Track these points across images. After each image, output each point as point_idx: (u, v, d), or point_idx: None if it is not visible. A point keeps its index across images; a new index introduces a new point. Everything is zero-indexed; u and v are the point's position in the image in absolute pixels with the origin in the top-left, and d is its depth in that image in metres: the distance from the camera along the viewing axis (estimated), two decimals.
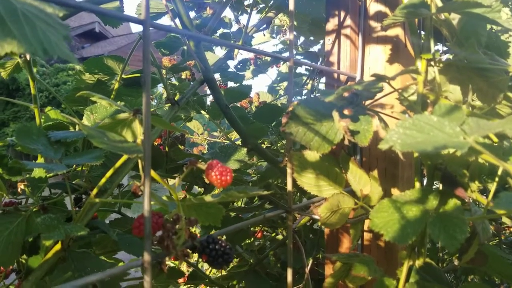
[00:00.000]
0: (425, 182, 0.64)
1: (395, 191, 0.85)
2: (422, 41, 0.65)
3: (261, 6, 1.14)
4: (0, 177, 0.73)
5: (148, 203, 0.42)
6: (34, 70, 0.72)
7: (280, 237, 1.57)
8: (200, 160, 1.03)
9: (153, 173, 0.45)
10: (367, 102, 0.75)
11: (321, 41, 1.51)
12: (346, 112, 0.54)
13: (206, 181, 0.50)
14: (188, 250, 0.46)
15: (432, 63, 0.61)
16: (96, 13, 0.40)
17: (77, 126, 0.76)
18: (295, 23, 1.25)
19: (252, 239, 1.54)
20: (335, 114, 0.53)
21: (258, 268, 1.29)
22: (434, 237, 0.47)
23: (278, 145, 1.44)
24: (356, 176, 0.64)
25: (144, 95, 0.42)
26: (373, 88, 0.56)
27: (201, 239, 0.49)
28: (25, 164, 0.57)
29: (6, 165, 0.74)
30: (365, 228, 0.85)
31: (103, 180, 0.56)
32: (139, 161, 0.46)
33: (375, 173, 0.64)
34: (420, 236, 0.56)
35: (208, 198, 0.52)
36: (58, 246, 0.62)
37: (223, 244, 0.49)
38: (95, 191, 0.57)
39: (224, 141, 1.89)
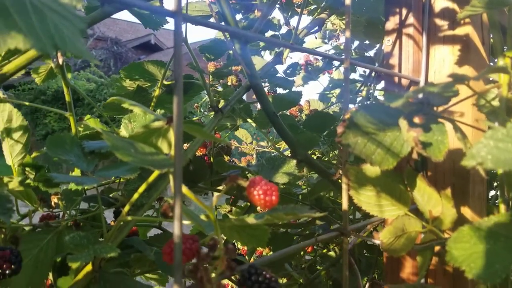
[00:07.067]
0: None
1: (465, 210, 0.75)
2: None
3: (313, 7, 1.06)
4: (37, 189, 0.70)
5: (179, 228, 0.35)
6: (69, 75, 0.68)
7: (332, 253, 1.48)
8: (246, 172, 0.96)
9: (185, 191, 0.39)
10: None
11: (377, 45, 1.41)
12: (416, 120, 0.45)
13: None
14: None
15: None
16: (120, 4, 0.34)
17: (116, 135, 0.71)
18: None
19: (302, 252, 1.46)
20: (403, 123, 0.44)
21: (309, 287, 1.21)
22: None
23: (330, 155, 1.35)
24: (425, 196, 0.55)
25: (175, 100, 0.35)
26: (447, 92, 0.47)
27: (242, 268, 0.42)
28: (53, 176, 0.52)
29: (43, 176, 0.70)
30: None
31: (136, 196, 0.50)
32: (170, 177, 0.39)
33: (448, 192, 0.54)
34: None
35: (250, 219, 0.45)
36: (89, 267, 0.57)
37: (267, 276, 0.41)
38: (127, 208, 0.51)
39: (272, 151, 1.82)
